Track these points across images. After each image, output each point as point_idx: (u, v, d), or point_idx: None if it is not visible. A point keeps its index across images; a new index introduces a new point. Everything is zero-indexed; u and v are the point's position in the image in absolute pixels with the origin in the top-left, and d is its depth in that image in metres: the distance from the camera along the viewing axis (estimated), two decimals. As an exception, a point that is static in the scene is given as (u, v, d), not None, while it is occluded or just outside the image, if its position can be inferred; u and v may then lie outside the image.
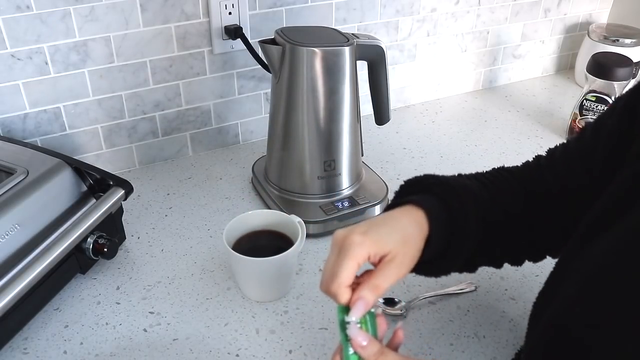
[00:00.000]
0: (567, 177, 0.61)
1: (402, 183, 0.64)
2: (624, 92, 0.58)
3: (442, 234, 0.57)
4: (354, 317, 0.50)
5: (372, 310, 0.52)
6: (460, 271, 0.66)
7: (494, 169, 0.68)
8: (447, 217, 0.58)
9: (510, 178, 0.66)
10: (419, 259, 0.56)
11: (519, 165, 0.68)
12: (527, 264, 0.84)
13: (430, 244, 0.56)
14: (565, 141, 0.65)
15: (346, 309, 0.52)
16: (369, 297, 0.51)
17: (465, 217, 0.59)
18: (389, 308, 0.76)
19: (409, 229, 0.55)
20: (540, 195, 0.62)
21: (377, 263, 0.53)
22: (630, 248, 0.46)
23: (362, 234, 0.52)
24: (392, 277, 0.53)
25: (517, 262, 0.68)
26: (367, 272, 0.54)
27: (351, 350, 0.51)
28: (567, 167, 0.61)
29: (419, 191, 0.61)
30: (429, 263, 0.58)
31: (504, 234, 0.63)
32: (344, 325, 0.51)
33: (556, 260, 0.57)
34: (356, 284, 0.52)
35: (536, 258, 0.67)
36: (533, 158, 0.68)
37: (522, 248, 0.66)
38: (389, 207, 0.60)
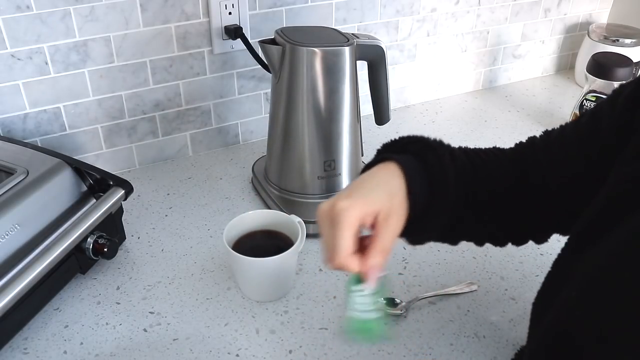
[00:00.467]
0: (563, 161, 0.58)
1: (379, 147, 0.62)
2: (626, 82, 0.56)
3: (420, 185, 0.55)
4: (369, 287, 0.49)
5: (382, 274, 0.51)
6: (443, 239, 0.63)
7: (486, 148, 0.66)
8: (423, 168, 0.56)
9: (501, 155, 0.63)
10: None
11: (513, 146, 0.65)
12: (528, 265, 0.85)
13: (410, 195, 0.54)
14: (562, 125, 0.63)
15: (357, 276, 0.50)
16: (379, 264, 0.50)
17: (442, 170, 0.57)
18: (389, 308, 0.76)
19: (391, 182, 0.54)
20: (532, 176, 0.60)
21: (373, 225, 0.52)
22: (631, 251, 0.46)
23: (346, 197, 0.51)
24: (393, 233, 0.52)
25: (500, 243, 0.65)
26: (368, 237, 0.52)
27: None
28: (564, 151, 0.59)
29: (395, 152, 0.60)
30: (413, 222, 0.55)
31: (488, 210, 0.60)
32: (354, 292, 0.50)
33: (555, 260, 0.56)
34: (362, 247, 0.51)
35: (519, 241, 0.64)
36: (527, 139, 0.65)
37: (506, 229, 0.63)
38: (365, 169, 0.58)
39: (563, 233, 0.61)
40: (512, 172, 0.62)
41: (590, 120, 0.58)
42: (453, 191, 0.57)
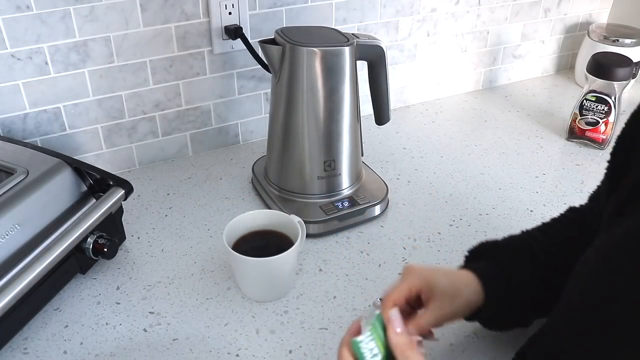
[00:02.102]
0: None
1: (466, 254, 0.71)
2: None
3: (495, 288, 0.63)
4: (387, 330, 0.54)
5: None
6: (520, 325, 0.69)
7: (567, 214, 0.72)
8: (499, 274, 0.64)
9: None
10: (485, 308, 0.63)
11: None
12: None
13: (486, 298, 0.62)
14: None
15: (380, 318, 0.56)
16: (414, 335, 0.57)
17: (517, 270, 0.64)
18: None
19: (461, 284, 0.63)
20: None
21: (426, 300, 0.60)
22: (620, 252, 0.47)
23: (420, 267, 0.62)
24: (432, 317, 0.59)
25: None
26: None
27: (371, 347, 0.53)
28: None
29: (475, 258, 0.69)
30: (492, 316, 0.65)
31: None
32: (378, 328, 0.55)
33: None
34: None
35: None
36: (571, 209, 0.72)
37: None
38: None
39: None
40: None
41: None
42: (529, 289, 0.64)
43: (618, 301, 0.45)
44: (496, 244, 0.69)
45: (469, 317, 0.66)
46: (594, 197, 0.69)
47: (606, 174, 0.58)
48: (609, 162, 0.58)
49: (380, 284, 0.81)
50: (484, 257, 0.68)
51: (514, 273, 0.64)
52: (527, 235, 0.70)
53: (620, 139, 0.56)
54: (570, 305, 0.50)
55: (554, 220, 0.72)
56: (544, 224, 0.72)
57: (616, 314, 0.45)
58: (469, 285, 0.63)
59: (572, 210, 0.72)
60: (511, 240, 0.69)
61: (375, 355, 0.52)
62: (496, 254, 0.67)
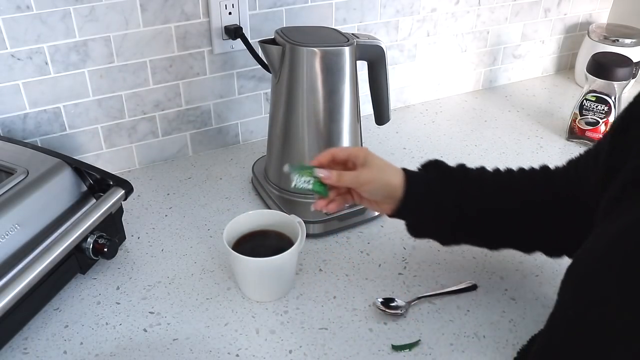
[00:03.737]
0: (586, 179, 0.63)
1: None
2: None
3: (416, 190, 0.70)
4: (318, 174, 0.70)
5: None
6: (480, 244, 0.76)
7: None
8: (426, 181, 0.71)
9: (536, 174, 0.73)
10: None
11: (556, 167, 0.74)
12: (528, 265, 0.85)
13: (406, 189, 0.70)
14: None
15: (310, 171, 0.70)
16: (332, 175, 0.69)
17: (447, 185, 0.70)
18: (389, 309, 0.76)
19: (393, 180, 0.70)
20: (562, 192, 0.68)
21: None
22: (614, 252, 0.47)
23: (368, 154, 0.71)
24: (354, 176, 0.69)
25: (528, 250, 0.76)
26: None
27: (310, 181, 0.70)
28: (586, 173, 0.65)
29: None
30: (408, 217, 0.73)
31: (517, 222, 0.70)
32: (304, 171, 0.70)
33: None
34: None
35: (552, 253, 0.74)
36: (564, 165, 0.73)
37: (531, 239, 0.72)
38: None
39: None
40: (542, 187, 0.70)
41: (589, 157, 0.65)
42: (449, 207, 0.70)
43: (611, 301, 0.45)
44: (457, 167, 0.74)
45: (392, 214, 0.72)
46: (573, 162, 0.70)
47: (604, 147, 0.59)
48: (606, 139, 0.59)
49: (380, 284, 0.81)
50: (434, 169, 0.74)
51: (443, 187, 0.70)
52: (494, 171, 0.74)
53: (619, 119, 0.58)
54: (565, 305, 0.50)
55: (525, 170, 0.74)
56: (518, 169, 0.74)
57: (610, 314, 0.45)
58: (397, 175, 0.70)
59: (544, 168, 0.74)
60: (472, 169, 0.74)
61: (307, 181, 0.70)
62: (444, 169, 0.73)
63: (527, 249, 0.75)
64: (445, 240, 0.76)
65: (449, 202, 0.70)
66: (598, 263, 0.48)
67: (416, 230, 0.75)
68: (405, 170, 0.71)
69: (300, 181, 0.69)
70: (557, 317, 0.52)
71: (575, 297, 0.49)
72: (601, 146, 0.61)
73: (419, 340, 0.72)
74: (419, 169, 0.74)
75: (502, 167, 0.74)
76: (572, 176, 0.68)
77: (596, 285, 0.47)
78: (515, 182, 0.72)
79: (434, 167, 0.73)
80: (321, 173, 0.69)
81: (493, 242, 0.75)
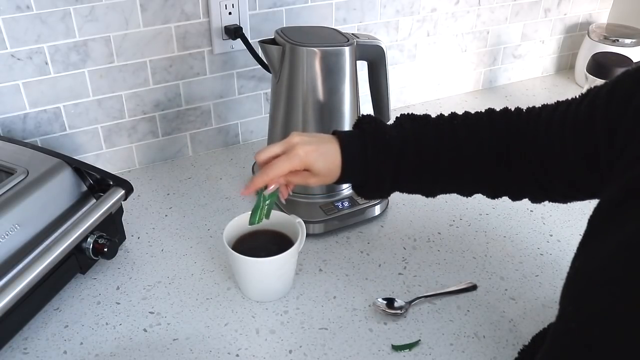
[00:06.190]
0: (573, 141, 0.61)
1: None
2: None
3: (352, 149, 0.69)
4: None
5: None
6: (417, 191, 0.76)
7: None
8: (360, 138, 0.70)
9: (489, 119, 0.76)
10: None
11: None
12: (528, 265, 0.85)
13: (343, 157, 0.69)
14: (548, 103, 0.72)
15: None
16: (286, 190, 0.72)
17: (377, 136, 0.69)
18: (389, 309, 0.76)
19: (333, 163, 0.69)
20: (528, 147, 0.70)
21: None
22: (616, 262, 0.46)
23: (303, 148, 0.67)
24: (301, 181, 0.70)
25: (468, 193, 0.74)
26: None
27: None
28: (573, 132, 0.62)
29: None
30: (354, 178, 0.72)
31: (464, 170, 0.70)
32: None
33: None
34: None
35: (494, 195, 0.73)
36: (510, 110, 0.77)
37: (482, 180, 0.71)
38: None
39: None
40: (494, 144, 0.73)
41: (587, 110, 0.60)
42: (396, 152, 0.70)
43: (614, 312, 0.44)
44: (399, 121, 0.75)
45: (337, 181, 0.71)
46: (537, 112, 0.74)
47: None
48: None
49: (380, 284, 0.81)
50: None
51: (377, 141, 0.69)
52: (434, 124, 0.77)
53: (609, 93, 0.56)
54: (567, 317, 0.50)
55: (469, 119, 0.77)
56: (462, 115, 0.77)
57: (612, 324, 0.44)
58: (332, 139, 0.69)
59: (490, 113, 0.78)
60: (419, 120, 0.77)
61: (270, 204, 0.72)
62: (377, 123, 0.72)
63: (469, 192, 0.74)
64: (387, 188, 0.75)
65: (391, 149, 0.70)
66: (600, 274, 0.47)
67: (363, 188, 0.74)
68: (335, 132, 0.71)
69: (266, 210, 0.73)
70: (559, 329, 0.51)
71: (578, 309, 0.48)
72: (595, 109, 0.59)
73: (419, 340, 0.72)
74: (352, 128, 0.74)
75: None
76: (541, 135, 0.69)
77: (599, 298, 0.46)
78: (460, 138, 0.73)
79: (368, 122, 0.72)
80: (276, 193, 0.71)
81: (432, 189, 0.75)
